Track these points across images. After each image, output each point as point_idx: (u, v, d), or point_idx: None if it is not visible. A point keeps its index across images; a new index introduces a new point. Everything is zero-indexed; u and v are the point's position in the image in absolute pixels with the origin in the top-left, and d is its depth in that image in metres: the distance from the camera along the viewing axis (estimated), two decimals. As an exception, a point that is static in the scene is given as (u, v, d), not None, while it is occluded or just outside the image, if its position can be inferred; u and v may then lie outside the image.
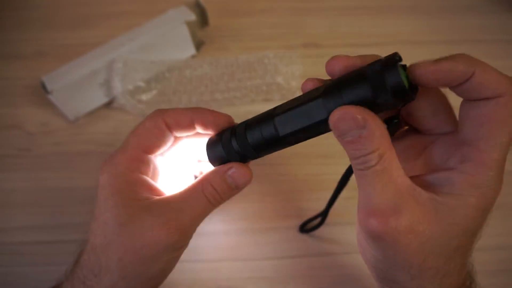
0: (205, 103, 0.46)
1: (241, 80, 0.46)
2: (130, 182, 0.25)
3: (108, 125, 0.45)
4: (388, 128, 0.20)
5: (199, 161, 0.32)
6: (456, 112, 0.21)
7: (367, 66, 0.19)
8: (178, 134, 0.27)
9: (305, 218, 0.36)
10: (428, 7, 0.54)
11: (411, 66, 0.19)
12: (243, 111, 0.45)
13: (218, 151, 0.26)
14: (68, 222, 0.39)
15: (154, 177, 0.27)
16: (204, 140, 0.28)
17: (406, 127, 0.25)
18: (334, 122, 0.19)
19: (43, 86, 0.42)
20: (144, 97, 0.46)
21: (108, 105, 0.46)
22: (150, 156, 0.27)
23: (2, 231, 0.39)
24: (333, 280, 0.36)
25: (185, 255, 0.26)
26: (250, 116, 0.25)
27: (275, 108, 0.23)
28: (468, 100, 0.20)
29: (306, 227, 0.37)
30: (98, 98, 0.45)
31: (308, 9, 0.54)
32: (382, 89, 0.18)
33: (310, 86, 0.22)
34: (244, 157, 0.25)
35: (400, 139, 0.25)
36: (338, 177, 0.26)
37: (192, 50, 0.49)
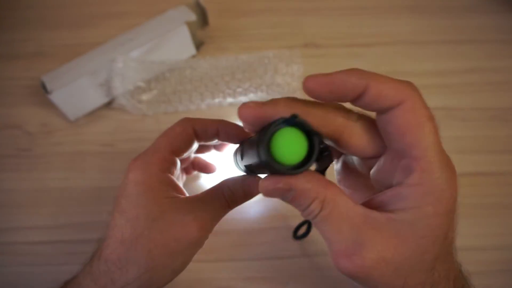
0: (205, 103, 0.46)
1: (241, 80, 0.46)
2: (161, 181, 0.27)
3: (108, 125, 0.45)
4: (320, 162, 0.20)
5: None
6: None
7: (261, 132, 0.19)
8: (202, 142, 0.30)
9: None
10: (428, 7, 0.54)
11: (304, 79, 0.19)
12: (243, 111, 0.45)
13: (235, 161, 0.29)
14: (68, 222, 0.39)
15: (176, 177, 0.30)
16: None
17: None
18: (265, 195, 0.20)
19: (43, 86, 0.42)
20: (144, 97, 0.46)
21: (108, 105, 0.46)
22: (176, 158, 0.29)
23: (2, 231, 0.39)
24: (333, 280, 0.36)
25: (185, 255, 0.26)
26: None
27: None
28: (379, 115, 0.20)
29: (298, 233, 0.37)
30: (98, 98, 0.45)
31: (308, 9, 0.54)
32: (268, 167, 0.18)
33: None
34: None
35: (345, 169, 0.26)
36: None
37: (192, 50, 0.49)
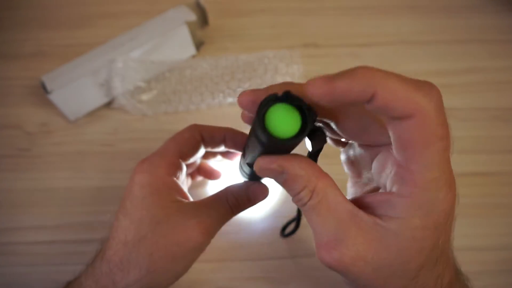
0: (205, 103, 0.46)
1: (241, 80, 0.46)
2: (167, 185, 0.27)
3: (108, 125, 0.45)
4: (314, 142, 0.20)
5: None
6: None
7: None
8: (209, 148, 0.30)
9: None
10: (428, 7, 0.54)
11: (304, 85, 0.17)
12: (243, 111, 0.45)
13: (240, 166, 0.29)
14: (68, 222, 0.39)
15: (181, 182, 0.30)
16: None
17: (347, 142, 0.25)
18: (259, 174, 0.20)
19: (43, 86, 0.42)
20: (144, 97, 0.46)
21: (108, 105, 0.46)
22: (183, 163, 0.29)
23: (2, 231, 0.39)
24: (333, 280, 0.35)
25: (185, 255, 0.26)
26: None
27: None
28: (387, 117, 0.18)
29: (286, 231, 0.37)
30: (98, 98, 0.45)
31: (308, 9, 0.54)
32: (265, 144, 0.18)
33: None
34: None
35: (349, 152, 0.25)
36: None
37: (192, 50, 0.49)
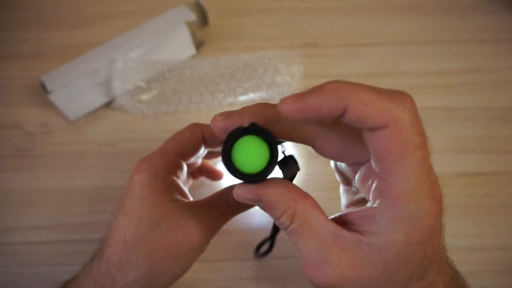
0: (205, 103, 0.46)
1: (241, 80, 0.46)
2: (167, 184, 0.27)
3: (108, 125, 0.45)
4: (286, 171, 0.20)
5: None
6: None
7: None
8: (210, 148, 0.30)
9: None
10: (428, 7, 0.54)
11: (277, 105, 0.17)
12: (243, 111, 0.45)
13: None
14: (68, 222, 0.39)
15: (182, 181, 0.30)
16: None
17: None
18: (239, 201, 0.20)
19: (43, 86, 0.42)
20: (144, 97, 0.46)
21: (108, 105, 0.46)
22: (183, 162, 0.29)
23: (2, 231, 0.39)
24: (333, 280, 0.35)
25: (185, 255, 0.26)
26: None
27: None
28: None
29: (260, 251, 0.36)
30: (98, 98, 0.45)
31: (308, 9, 0.54)
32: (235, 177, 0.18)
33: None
34: None
35: (337, 171, 0.25)
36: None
37: (192, 50, 0.49)
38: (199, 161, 0.35)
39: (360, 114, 0.16)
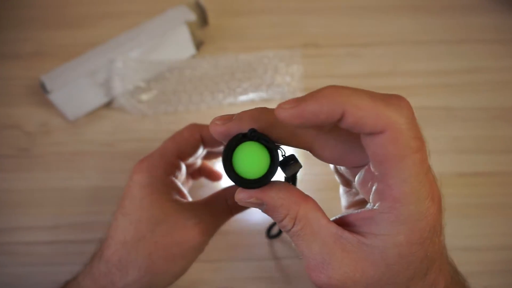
0: (205, 103, 0.46)
1: (241, 80, 0.46)
2: (166, 185, 0.27)
3: (108, 125, 0.45)
4: (287, 170, 0.20)
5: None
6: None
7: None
8: (209, 148, 0.30)
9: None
10: (428, 7, 0.54)
11: (275, 110, 0.17)
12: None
13: None
14: (68, 222, 0.39)
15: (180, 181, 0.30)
16: None
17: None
18: (241, 205, 0.20)
19: (43, 86, 0.42)
20: (144, 97, 0.46)
21: (108, 105, 0.46)
22: (182, 163, 0.29)
23: (2, 231, 0.39)
24: (333, 280, 0.35)
25: (185, 255, 0.26)
26: None
27: None
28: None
29: (272, 233, 0.36)
30: (98, 98, 0.45)
31: (308, 9, 0.54)
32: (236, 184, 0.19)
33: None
34: None
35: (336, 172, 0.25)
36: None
37: (192, 50, 0.49)
38: (199, 162, 0.35)
39: (357, 120, 0.16)
